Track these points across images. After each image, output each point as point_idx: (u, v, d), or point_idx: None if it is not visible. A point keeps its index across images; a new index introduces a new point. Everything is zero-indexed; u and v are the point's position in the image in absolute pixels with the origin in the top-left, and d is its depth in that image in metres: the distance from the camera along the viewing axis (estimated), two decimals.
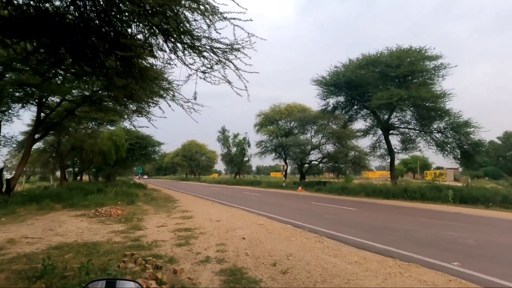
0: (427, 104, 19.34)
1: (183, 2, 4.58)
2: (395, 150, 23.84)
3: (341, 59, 27.57)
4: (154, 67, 6.42)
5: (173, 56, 5.40)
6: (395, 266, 5.04)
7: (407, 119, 23.37)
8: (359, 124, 65.67)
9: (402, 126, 23.78)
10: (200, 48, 5.21)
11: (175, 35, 4.89)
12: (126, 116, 15.16)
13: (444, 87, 23.27)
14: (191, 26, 4.91)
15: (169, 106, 7.71)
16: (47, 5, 4.62)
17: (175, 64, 5.76)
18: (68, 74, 8.06)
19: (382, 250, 6.17)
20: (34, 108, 16.06)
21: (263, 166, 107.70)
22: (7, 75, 11.92)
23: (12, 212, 10.58)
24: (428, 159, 61.85)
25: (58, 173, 29.16)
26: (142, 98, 8.85)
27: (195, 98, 6.72)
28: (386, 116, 23.40)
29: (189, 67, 5.55)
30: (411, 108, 21.13)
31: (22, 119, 33.19)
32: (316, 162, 35.82)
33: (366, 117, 25.29)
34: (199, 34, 5.03)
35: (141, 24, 4.82)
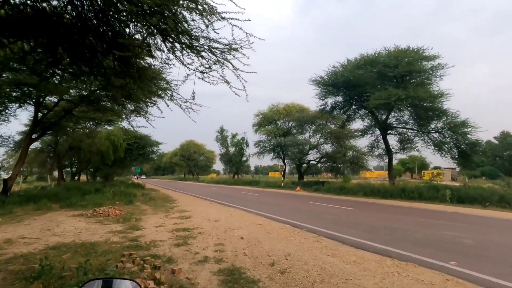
0: (424, 104, 19.42)
1: (181, 2, 4.58)
2: (393, 150, 23.93)
3: (340, 59, 27.77)
4: (152, 67, 6.41)
5: (171, 56, 5.41)
6: (393, 265, 5.05)
7: (405, 119, 23.50)
8: (357, 124, 65.49)
9: (400, 126, 23.88)
10: (198, 48, 5.21)
11: (173, 35, 4.89)
12: (124, 116, 15.11)
13: (442, 87, 23.32)
14: (189, 26, 4.91)
15: (167, 106, 7.70)
16: (44, 4, 4.60)
17: (173, 64, 5.77)
18: (65, 74, 8.03)
19: (380, 249, 6.19)
20: (31, 108, 16.02)
21: (262, 166, 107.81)
22: (4, 75, 11.85)
23: (9, 212, 10.54)
24: (425, 159, 62.23)
25: (55, 173, 29.04)
26: (140, 98, 8.83)
27: (193, 98, 6.74)
28: (384, 116, 23.48)
29: (187, 67, 5.55)
30: (409, 108, 21.21)
31: (19, 119, 33.09)
32: (315, 162, 35.88)
33: (364, 117, 25.38)
34: (197, 34, 5.03)
35: (139, 24, 4.82)
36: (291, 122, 37.59)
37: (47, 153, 26.16)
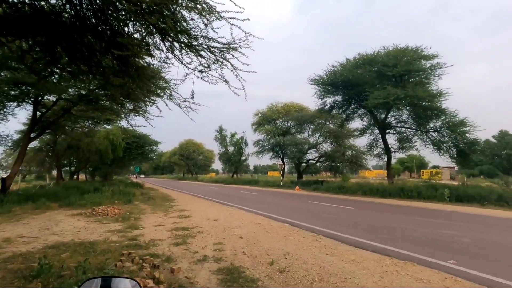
0: (423, 103, 19.44)
1: (180, 1, 4.57)
2: (391, 149, 23.96)
3: (340, 58, 27.87)
4: (151, 66, 6.39)
5: (170, 55, 5.40)
6: (392, 264, 5.07)
7: (403, 118, 23.51)
8: (356, 123, 66.02)
9: (399, 125, 23.91)
10: (197, 47, 5.20)
11: (172, 34, 4.88)
12: (123, 115, 15.09)
13: (440, 86, 23.36)
14: (188, 25, 4.90)
15: (166, 105, 7.69)
16: (42, 3, 4.59)
17: (172, 63, 5.76)
18: (64, 73, 8.00)
19: (379, 248, 6.21)
20: (29, 107, 16.02)
21: (261, 165, 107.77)
22: (2, 74, 11.83)
23: (7, 211, 10.52)
24: (424, 158, 62.26)
25: (54, 172, 29.01)
26: (139, 97, 8.81)
27: (192, 97, 6.73)
28: (383, 115, 23.50)
29: (186, 66, 5.55)
30: (408, 107, 21.24)
31: (18, 117, 33.11)
32: (314, 161, 35.90)
33: (363, 116, 25.39)
34: (196, 33, 5.02)
35: (138, 23, 4.81)
36: (290, 122, 37.63)
37: (45, 152, 26.14)
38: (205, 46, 5.23)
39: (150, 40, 5.16)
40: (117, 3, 4.33)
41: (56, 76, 9.35)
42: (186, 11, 4.73)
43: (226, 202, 15.48)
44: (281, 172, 35.89)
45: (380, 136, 24.16)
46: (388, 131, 23.92)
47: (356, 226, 8.80)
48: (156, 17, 4.41)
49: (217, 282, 4.13)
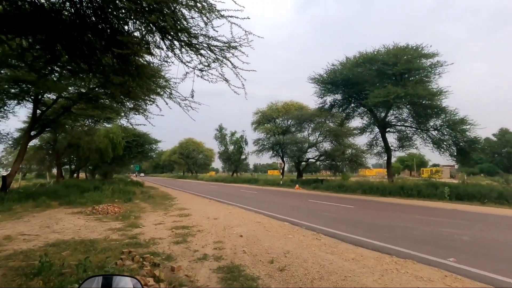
0: (423, 102, 19.45)
1: None
2: (391, 147, 23.98)
3: (340, 58, 27.77)
4: (151, 64, 6.38)
5: (170, 53, 5.39)
6: (392, 262, 5.08)
7: (403, 116, 23.53)
8: (356, 122, 65.80)
9: (399, 124, 23.91)
10: (197, 46, 5.19)
11: (172, 33, 4.87)
12: (123, 114, 15.07)
13: (440, 84, 23.38)
14: (188, 24, 4.89)
15: (166, 104, 7.67)
16: (42, 1, 4.58)
17: (172, 62, 5.74)
18: (64, 71, 7.99)
19: (379, 247, 6.21)
20: (30, 105, 16.01)
21: (261, 164, 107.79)
22: (2, 71, 11.83)
23: (8, 209, 10.54)
24: (424, 157, 62.15)
25: (54, 171, 29.04)
26: (139, 95, 8.81)
27: (192, 96, 6.71)
28: (383, 114, 23.50)
29: (186, 65, 5.53)
30: (408, 106, 21.23)
31: (18, 116, 33.12)
32: (313, 160, 35.94)
33: (363, 115, 25.39)
34: (196, 32, 5.01)
35: (138, 22, 4.80)
36: (290, 120, 37.63)
37: (46, 150, 26.12)
38: (205, 45, 5.22)
39: (150, 39, 5.15)
40: (117, 1, 4.32)
41: (56, 74, 9.35)
42: (186, 10, 4.72)
43: (226, 201, 15.50)
44: (281, 171, 35.91)
45: (380, 134, 24.17)
46: (388, 129, 23.93)
47: (356, 225, 8.81)
48: (156, 16, 4.40)
49: (217, 280, 4.14)
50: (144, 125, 23.59)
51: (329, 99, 25.20)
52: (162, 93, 7.88)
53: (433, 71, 20.50)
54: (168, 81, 7.98)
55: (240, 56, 5.42)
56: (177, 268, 4.49)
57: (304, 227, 8.35)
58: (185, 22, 4.83)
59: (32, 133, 16.10)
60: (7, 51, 7.48)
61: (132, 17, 4.65)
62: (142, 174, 79.99)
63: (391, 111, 23.20)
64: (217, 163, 79.21)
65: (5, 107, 15.58)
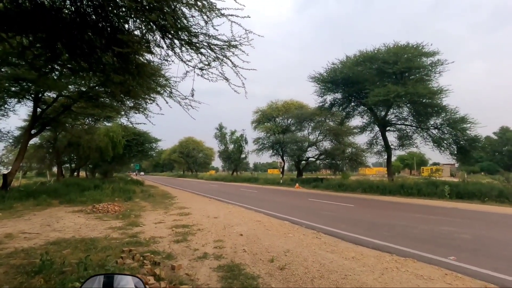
0: (424, 101, 19.43)
1: None
2: (392, 146, 23.97)
3: (340, 56, 27.72)
4: (151, 63, 6.37)
5: (170, 52, 5.38)
6: (392, 261, 5.09)
7: (404, 115, 23.53)
8: (356, 121, 65.77)
9: (399, 123, 23.90)
10: (197, 44, 5.18)
11: (172, 32, 4.87)
12: (123, 113, 15.07)
13: (441, 83, 23.33)
14: (189, 23, 4.88)
15: (167, 102, 7.68)
16: None
17: (173, 61, 5.73)
18: (64, 70, 7.98)
19: (379, 245, 6.22)
20: (30, 103, 16.00)
21: (260, 163, 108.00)
22: (3, 70, 11.82)
23: (9, 207, 10.58)
24: (424, 155, 62.33)
25: (54, 169, 29.05)
26: (139, 94, 8.81)
27: (192, 95, 6.71)
28: (383, 113, 23.49)
29: (187, 64, 5.53)
30: (408, 105, 21.22)
31: (18, 114, 33.08)
32: (313, 159, 35.92)
33: (363, 114, 25.39)
34: (196, 31, 5.00)
35: (138, 20, 4.79)
36: (290, 119, 37.62)
37: (46, 148, 26.13)
38: (205, 44, 5.21)
39: (150, 37, 5.14)
40: (117, 0, 4.32)
41: (57, 72, 9.34)
42: (186, 8, 4.71)
43: (226, 200, 15.51)
44: (281, 170, 35.92)
45: (380, 133, 24.16)
46: (388, 128, 23.92)
47: (356, 224, 8.82)
48: (156, 14, 4.39)
49: (217, 279, 4.15)
50: (144, 124, 23.58)
51: (329, 98, 25.24)
52: (162, 92, 7.88)
53: (433, 70, 20.50)
54: (168, 80, 7.98)
55: (240, 55, 5.43)
56: (177, 266, 4.50)
57: (304, 226, 8.36)
58: (185, 21, 4.82)
59: (33, 131, 16.12)
60: (7, 49, 7.48)
61: (133, 16, 4.64)
62: (142, 173, 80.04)
63: (391, 110, 23.20)
64: (217, 162, 79.38)
65: (5, 105, 15.58)
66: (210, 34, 5.09)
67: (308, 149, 34.20)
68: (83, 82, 12.66)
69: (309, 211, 11.69)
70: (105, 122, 22.47)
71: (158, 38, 5.11)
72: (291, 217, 9.81)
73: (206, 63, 5.53)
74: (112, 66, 5.62)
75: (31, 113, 16.52)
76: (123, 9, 4.54)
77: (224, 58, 5.47)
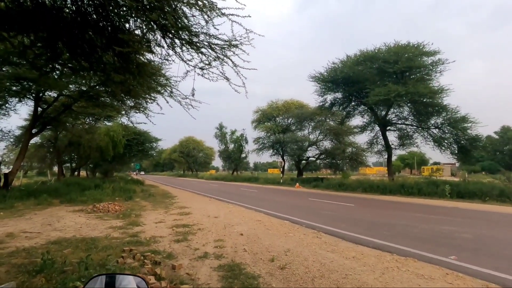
0: (424, 100, 19.41)
1: None
2: (392, 146, 23.95)
3: (340, 56, 27.69)
4: (152, 63, 6.38)
5: (171, 52, 5.39)
6: (393, 260, 5.09)
7: (404, 115, 23.52)
8: (357, 121, 65.76)
9: (400, 122, 23.89)
10: (198, 44, 5.19)
11: (173, 31, 4.87)
12: (123, 112, 15.09)
13: (441, 82, 23.31)
14: (189, 22, 4.88)
15: (167, 102, 7.69)
16: None
17: (173, 60, 5.74)
18: (65, 69, 7.99)
19: (379, 245, 6.22)
20: (31, 103, 16.03)
21: (261, 163, 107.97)
22: (3, 69, 11.83)
23: (10, 206, 10.59)
24: (425, 155, 62.34)
25: (55, 168, 29.08)
26: (140, 94, 8.81)
27: (193, 95, 6.72)
28: (383, 112, 23.48)
29: (187, 63, 5.53)
30: (409, 104, 21.20)
31: (19, 113, 33.06)
32: (314, 159, 35.89)
33: (363, 113, 25.38)
34: (197, 30, 5.01)
35: (139, 20, 4.79)
36: (290, 119, 37.60)
37: (47, 148, 26.17)
38: (206, 43, 5.21)
39: (151, 37, 5.15)
40: None
41: (57, 72, 9.36)
42: (187, 8, 4.71)
43: (226, 199, 15.52)
44: (281, 170, 35.90)
45: (380, 133, 24.16)
46: (388, 128, 23.91)
47: (356, 223, 8.81)
48: (157, 14, 4.39)
49: (218, 278, 4.15)
50: (144, 123, 23.59)
51: (329, 97, 25.23)
52: (162, 91, 7.89)
53: (434, 69, 20.48)
54: (168, 80, 7.98)
55: (241, 55, 5.43)
56: (178, 266, 4.50)
57: (304, 225, 8.36)
58: (186, 20, 4.83)
59: (33, 130, 16.13)
60: (8, 49, 7.48)
61: (133, 15, 4.65)
62: (142, 173, 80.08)
63: (392, 109, 23.19)
64: (217, 162, 79.37)
65: (6, 105, 15.62)
66: (211, 34, 5.09)
67: (309, 148, 34.21)
68: (83, 81, 12.68)
69: (309, 210, 11.69)
70: (105, 122, 22.50)
71: (159, 37, 5.12)
72: (292, 216, 9.81)
73: (207, 62, 5.53)
74: (112, 65, 5.62)
75: (32, 113, 16.54)
76: (124, 9, 4.54)
77: (225, 58, 5.48)
